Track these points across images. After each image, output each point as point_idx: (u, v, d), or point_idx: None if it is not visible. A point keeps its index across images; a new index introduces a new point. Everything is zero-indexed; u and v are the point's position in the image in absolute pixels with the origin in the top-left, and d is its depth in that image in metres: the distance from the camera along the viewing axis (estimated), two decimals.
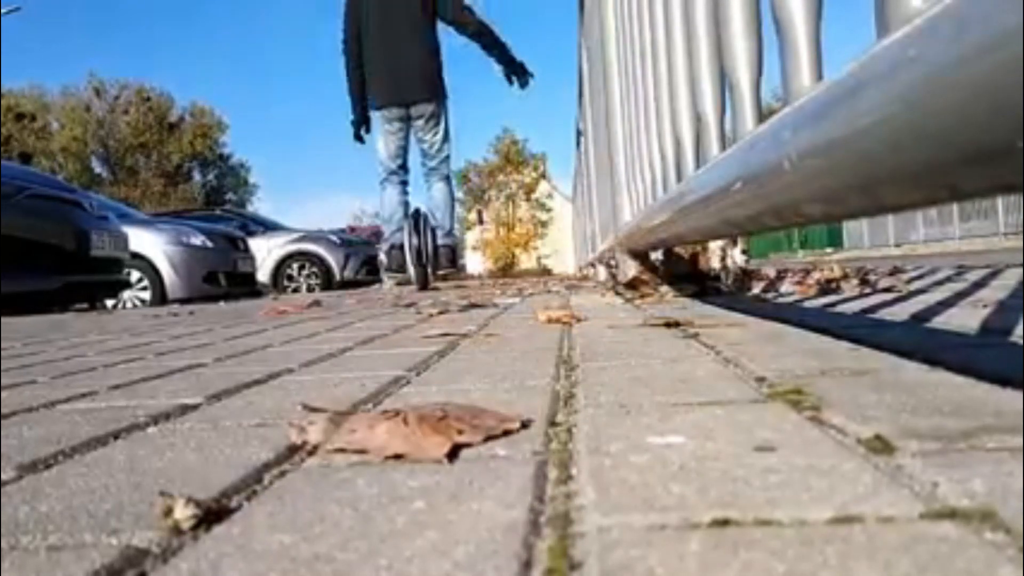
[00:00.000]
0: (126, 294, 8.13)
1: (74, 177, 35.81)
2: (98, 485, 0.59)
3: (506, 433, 0.67)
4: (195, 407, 0.94)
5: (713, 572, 0.37)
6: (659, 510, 0.46)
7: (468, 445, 0.64)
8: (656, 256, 3.05)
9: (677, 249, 2.84)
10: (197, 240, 8.76)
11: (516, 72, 5.69)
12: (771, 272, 3.64)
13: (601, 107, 4.09)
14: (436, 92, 5.54)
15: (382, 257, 6.49)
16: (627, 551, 0.40)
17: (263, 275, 10.86)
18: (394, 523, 0.47)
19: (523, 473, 0.56)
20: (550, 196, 37.08)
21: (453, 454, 0.62)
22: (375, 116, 5.54)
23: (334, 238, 11.84)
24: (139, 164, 43.16)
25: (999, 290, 2.09)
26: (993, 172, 0.52)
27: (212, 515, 0.49)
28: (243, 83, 75.02)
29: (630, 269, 3.16)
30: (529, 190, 37.20)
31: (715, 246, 2.84)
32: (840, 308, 1.91)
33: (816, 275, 3.14)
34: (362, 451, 0.64)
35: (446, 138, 5.64)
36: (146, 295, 8.44)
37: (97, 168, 42.86)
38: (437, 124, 5.58)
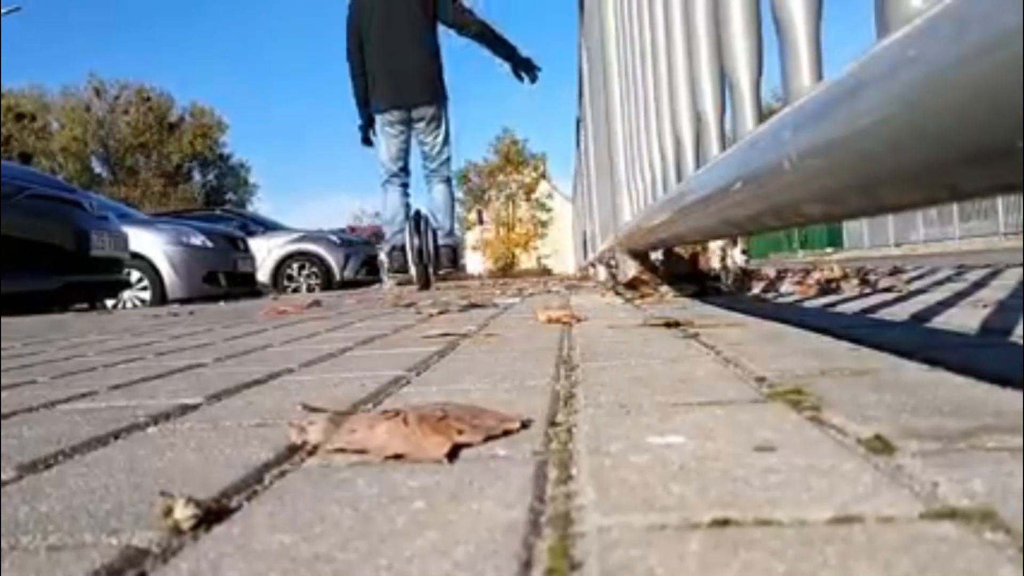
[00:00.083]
0: (126, 294, 8.14)
1: (74, 177, 35.81)
2: (98, 485, 0.59)
3: (506, 433, 0.67)
4: (195, 407, 0.94)
5: (713, 572, 0.37)
6: (659, 510, 0.46)
7: (468, 445, 0.64)
8: (656, 256, 3.05)
9: (677, 249, 2.84)
10: (197, 240, 8.76)
11: (524, 68, 5.73)
12: (771, 272, 3.64)
13: (601, 107, 4.09)
14: (436, 95, 5.60)
15: (383, 257, 6.56)
16: (627, 551, 0.40)
17: (263, 275, 10.86)
18: (394, 523, 0.47)
19: (523, 473, 0.56)
20: (550, 196, 37.08)
21: (453, 454, 0.62)
22: (377, 119, 5.60)
23: (334, 238, 11.84)
24: (139, 164, 43.16)
25: (999, 290, 2.09)
26: (993, 172, 0.52)
27: (212, 515, 0.49)
28: (243, 83, 75.06)
29: (630, 269, 3.16)
30: (529, 190, 37.21)
31: (715, 246, 2.84)
32: (840, 308, 1.91)
33: (816, 275, 3.14)
34: (362, 451, 0.64)
35: (446, 140, 5.70)
36: (146, 295, 8.44)
37: (97, 168, 42.87)
38: (438, 127, 5.64)
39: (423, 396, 0.92)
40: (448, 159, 5.78)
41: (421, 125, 5.62)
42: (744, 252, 2.89)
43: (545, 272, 24.52)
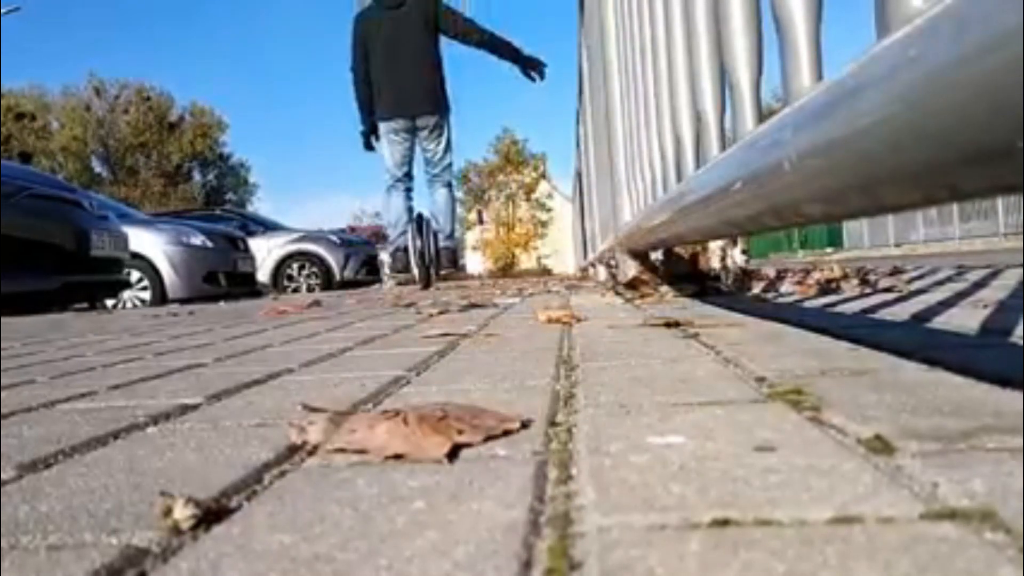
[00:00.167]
0: (126, 294, 8.13)
1: (74, 177, 35.80)
2: (98, 485, 0.59)
3: (506, 433, 0.67)
4: (195, 407, 0.94)
5: (713, 572, 0.37)
6: (659, 510, 0.46)
7: (468, 445, 0.64)
8: (656, 256, 3.05)
9: (677, 249, 2.84)
10: (197, 240, 8.76)
11: (531, 67, 5.93)
12: (771, 272, 3.64)
13: (601, 106, 4.09)
14: (439, 105, 5.82)
15: (384, 257, 6.78)
16: (627, 551, 0.40)
17: (263, 275, 10.86)
18: (394, 523, 0.47)
19: (523, 473, 0.56)
20: (550, 196, 37.07)
21: (453, 454, 0.62)
22: (382, 127, 5.83)
23: (334, 238, 11.84)
24: (139, 164, 43.16)
25: (999, 290, 2.09)
26: (993, 172, 0.52)
27: (212, 515, 0.49)
28: (243, 83, 75.08)
29: (630, 269, 3.16)
30: (529, 190, 37.20)
31: (715, 246, 2.84)
32: (840, 308, 1.91)
33: (816, 275, 3.14)
34: (362, 451, 0.64)
35: (448, 148, 5.94)
36: (146, 295, 8.44)
37: (97, 168, 42.87)
38: (440, 135, 5.86)
39: (423, 396, 0.92)
40: (449, 165, 6.03)
41: (424, 133, 5.82)
42: (744, 252, 2.89)
43: (545, 272, 24.53)
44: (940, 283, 2.65)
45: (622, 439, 0.65)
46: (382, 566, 0.40)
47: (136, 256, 7.88)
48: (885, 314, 1.67)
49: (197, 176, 46.69)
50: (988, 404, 0.69)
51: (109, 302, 7.84)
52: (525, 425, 0.70)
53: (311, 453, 0.66)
